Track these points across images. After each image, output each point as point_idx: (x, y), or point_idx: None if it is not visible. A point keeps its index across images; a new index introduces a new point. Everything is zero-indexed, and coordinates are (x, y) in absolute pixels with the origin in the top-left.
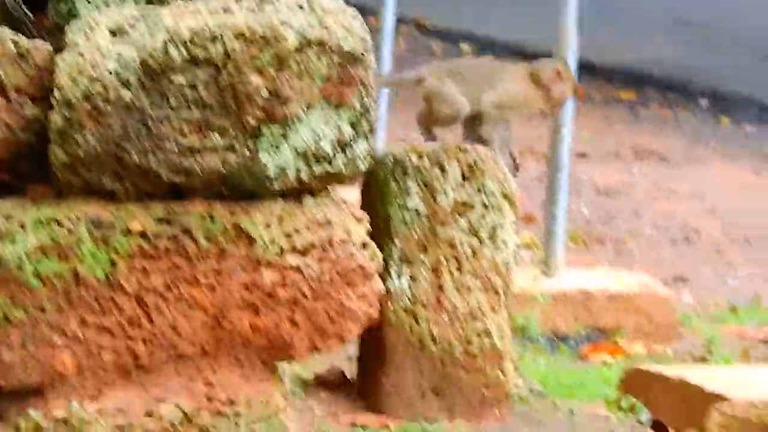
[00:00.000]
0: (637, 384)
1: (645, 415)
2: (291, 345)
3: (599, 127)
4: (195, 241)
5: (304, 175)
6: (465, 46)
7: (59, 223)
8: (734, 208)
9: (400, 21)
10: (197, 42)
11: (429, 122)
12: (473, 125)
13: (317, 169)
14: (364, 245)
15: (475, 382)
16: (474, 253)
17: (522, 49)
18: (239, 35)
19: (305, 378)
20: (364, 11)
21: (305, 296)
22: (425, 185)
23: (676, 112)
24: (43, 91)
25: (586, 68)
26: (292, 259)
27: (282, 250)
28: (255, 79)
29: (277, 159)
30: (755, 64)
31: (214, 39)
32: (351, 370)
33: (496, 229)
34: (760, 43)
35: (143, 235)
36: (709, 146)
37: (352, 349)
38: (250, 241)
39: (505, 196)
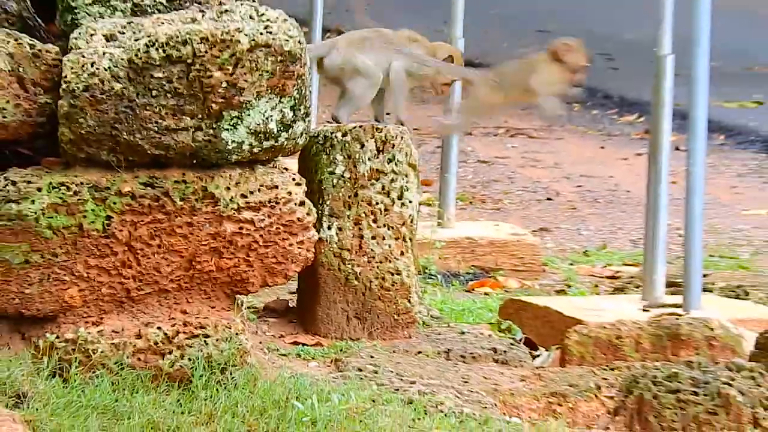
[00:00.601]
0: (512, 311)
1: (519, 335)
2: (247, 281)
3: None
4: (172, 200)
5: (256, 149)
6: None
7: (67, 187)
8: (585, 174)
9: (325, 30)
10: (172, 44)
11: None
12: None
13: (265, 144)
14: (302, 203)
15: (388, 309)
16: (386, 209)
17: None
18: (204, 39)
19: (258, 307)
20: (300, 21)
21: (258, 243)
22: (348, 156)
23: None
24: (53, 84)
25: (471, 65)
26: (247, 214)
27: (239, 207)
28: (217, 74)
29: (235, 136)
30: (600, 63)
31: (185, 42)
32: (293, 302)
33: (403, 191)
34: (606, 46)
35: (132, 196)
36: (565, 127)
37: (293, 284)
38: (215, 200)
39: (410, 165)
